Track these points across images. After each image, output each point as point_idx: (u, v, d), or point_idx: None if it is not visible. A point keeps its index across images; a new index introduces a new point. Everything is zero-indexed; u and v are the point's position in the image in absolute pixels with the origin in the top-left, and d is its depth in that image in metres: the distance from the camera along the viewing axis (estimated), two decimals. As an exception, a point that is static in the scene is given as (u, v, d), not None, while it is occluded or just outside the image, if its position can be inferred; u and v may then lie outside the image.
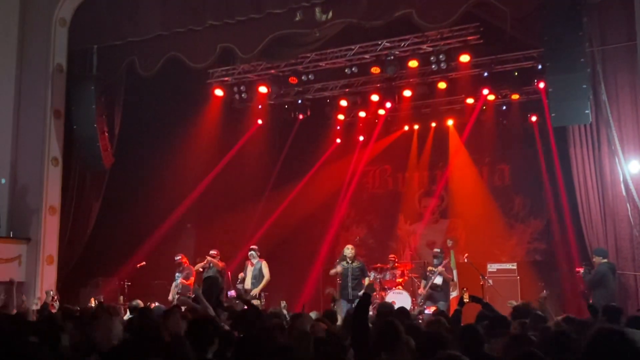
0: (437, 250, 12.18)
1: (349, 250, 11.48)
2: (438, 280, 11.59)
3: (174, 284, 12.21)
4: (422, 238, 15.72)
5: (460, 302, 7.96)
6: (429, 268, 11.89)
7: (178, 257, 12.40)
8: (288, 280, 14.48)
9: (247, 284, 11.82)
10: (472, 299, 7.89)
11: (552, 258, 13.32)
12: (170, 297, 11.88)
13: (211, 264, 11.96)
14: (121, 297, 12.38)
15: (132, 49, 11.99)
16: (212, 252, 12.16)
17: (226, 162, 14.93)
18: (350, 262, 11.37)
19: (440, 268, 11.62)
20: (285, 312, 8.23)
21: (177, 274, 12.27)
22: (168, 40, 11.66)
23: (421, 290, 11.89)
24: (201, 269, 12.19)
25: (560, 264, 12.61)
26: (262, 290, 11.63)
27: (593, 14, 9.88)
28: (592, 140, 10.00)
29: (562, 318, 6.50)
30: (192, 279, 12.17)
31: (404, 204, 16.09)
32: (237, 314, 6.66)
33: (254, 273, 11.78)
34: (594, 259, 9.54)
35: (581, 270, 9.74)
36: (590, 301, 8.89)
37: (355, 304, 5.28)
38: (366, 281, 11.17)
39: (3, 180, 11.93)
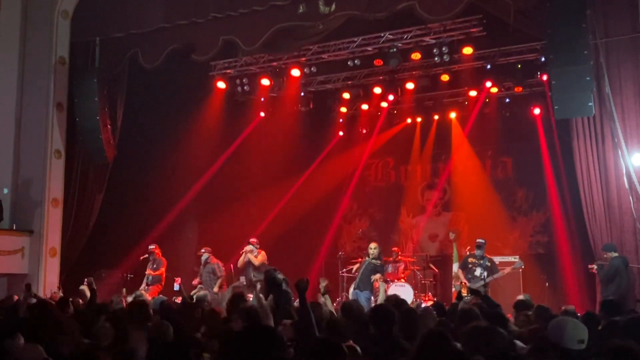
0: (480, 241, 11.17)
1: (371, 250, 11.31)
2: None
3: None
4: (425, 231, 15.71)
5: (459, 296, 7.90)
6: (470, 259, 11.11)
7: (152, 247, 12.34)
8: (290, 273, 14.40)
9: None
10: (471, 292, 7.85)
11: (554, 251, 13.29)
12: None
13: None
14: (124, 290, 12.41)
15: (134, 41, 11.97)
16: (251, 239, 12.26)
17: (229, 155, 14.95)
18: (369, 257, 11.30)
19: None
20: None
21: (149, 265, 12.31)
22: (171, 32, 11.65)
23: (463, 282, 10.72)
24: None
25: (562, 257, 12.59)
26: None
27: (596, 6, 9.87)
28: (595, 133, 9.99)
29: (563, 310, 6.52)
30: (162, 269, 12.18)
31: (406, 197, 16.08)
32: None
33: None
34: (605, 255, 9.51)
35: (594, 266, 9.74)
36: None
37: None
38: (372, 278, 11.01)
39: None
